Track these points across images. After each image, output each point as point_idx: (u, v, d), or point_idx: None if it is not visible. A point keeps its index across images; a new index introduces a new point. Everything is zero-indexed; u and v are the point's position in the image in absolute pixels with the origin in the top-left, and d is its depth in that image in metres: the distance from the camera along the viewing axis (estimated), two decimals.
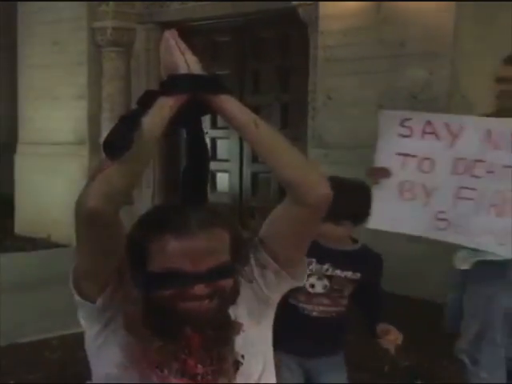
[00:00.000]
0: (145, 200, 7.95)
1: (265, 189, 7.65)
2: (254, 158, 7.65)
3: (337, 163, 5.57)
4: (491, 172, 3.27)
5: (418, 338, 4.75)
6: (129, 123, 1.41)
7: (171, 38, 1.51)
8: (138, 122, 1.41)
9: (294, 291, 2.43)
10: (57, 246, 8.09)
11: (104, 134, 8.13)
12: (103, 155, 1.41)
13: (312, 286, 2.77)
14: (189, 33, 6.22)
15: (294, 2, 6.75)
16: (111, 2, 8.00)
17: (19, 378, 4.16)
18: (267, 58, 7.60)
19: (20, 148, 8.97)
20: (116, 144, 1.38)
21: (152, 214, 1.58)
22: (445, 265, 3.66)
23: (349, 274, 2.81)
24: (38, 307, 5.46)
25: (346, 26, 6.25)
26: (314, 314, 2.81)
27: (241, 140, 7.60)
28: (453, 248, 3.45)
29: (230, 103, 1.51)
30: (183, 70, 1.49)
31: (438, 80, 5.85)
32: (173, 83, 1.49)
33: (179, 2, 7.91)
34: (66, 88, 8.32)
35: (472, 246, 3.35)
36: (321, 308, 2.80)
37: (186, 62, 1.49)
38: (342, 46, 6.29)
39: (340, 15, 6.30)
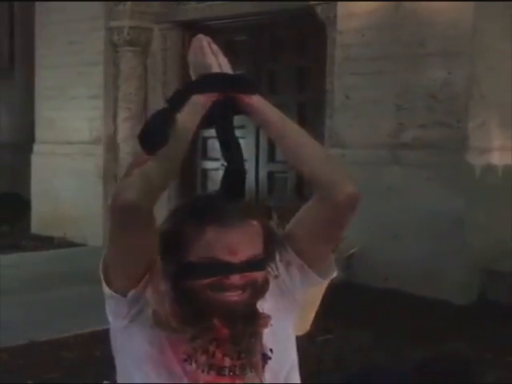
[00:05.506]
0: (161, 202, 7.90)
1: (281, 188, 7.62)
2: (270, 158, 7.62)
3: (354, 163, 5.52)
4: None
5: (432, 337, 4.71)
6: (164, 119, 1.46)
7: (204, 39, 1.58)
8: (174, 118, 1.46)
9: None
10: (72, 245, 8.12)
11: (120, 133, 8.15)
12: (139, 149, 1.45)
13: None
14: (206, 32, 6.16)
15: (312, 1, 6.72)
16: (128, 2, 7.99)
17: (37, 377, 4.14)
18: (284, 57, 7.57)
19: (36, 148, 8.99)
20: (153, 138, 1.43)
21: (190, 203, 1.61)
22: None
23: None
24: (54, 306, 5.46)
25: (365, 25, 6.22)
26: None
27: (257, 139, 7.57)
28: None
29: (260, 102, 1.58)
30: (215, 70, 1.56)
31: (457, 79, 5.80)
32: (206, 82, 1.54)
33: (196, 2, 7.89)
34: (82, 88, 8.33)
35: None
36: None
37: (219, 63, 1.56)
38: (361, 45, 6.25)
39: (358, 14, 6.26)
